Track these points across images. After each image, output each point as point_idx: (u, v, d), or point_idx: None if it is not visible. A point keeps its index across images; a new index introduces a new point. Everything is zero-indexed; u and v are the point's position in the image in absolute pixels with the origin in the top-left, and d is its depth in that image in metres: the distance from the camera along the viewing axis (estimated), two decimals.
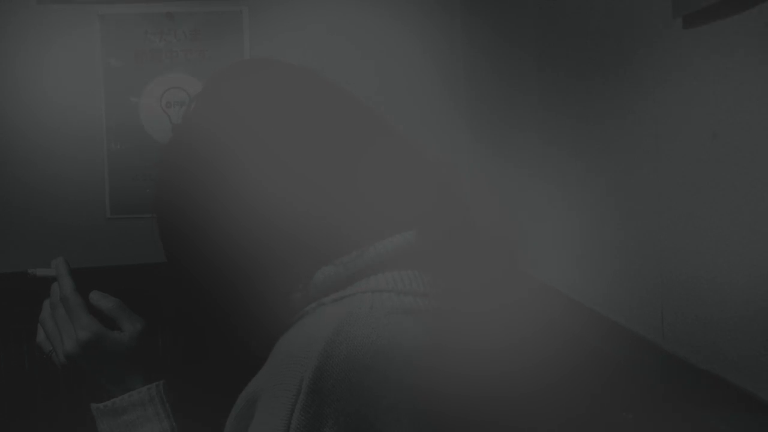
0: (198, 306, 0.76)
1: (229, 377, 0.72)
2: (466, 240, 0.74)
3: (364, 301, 0.67)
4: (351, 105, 0.77)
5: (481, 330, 0.72)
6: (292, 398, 0.61)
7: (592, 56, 0.97)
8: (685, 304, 0.76)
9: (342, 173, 0.71)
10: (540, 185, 1.23)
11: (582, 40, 1.00)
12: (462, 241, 0.74)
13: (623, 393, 0.78)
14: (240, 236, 0.71)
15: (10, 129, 1.71)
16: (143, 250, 1.74)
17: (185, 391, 0.89)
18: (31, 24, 1.71)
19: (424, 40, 1.79)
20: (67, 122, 1.73)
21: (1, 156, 1.71)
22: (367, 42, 1.76)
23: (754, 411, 0.64)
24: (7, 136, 1.71)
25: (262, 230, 0.70)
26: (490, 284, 0.74)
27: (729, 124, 0.67)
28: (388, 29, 1.76)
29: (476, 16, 1.65)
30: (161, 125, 1.75)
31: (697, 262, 0.74)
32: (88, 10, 1.72)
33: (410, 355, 0.65)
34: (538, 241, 1.24)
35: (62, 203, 1.73)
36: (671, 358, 0.78)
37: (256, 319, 0.71)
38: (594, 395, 0.85)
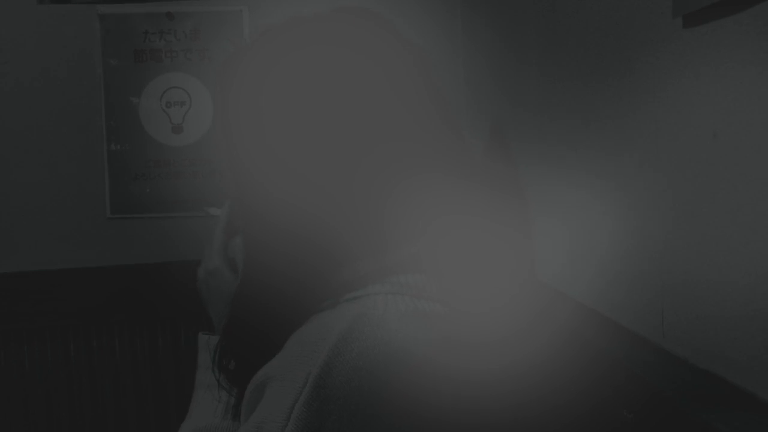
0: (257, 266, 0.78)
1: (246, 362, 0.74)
2: (483, 246, 0.75)
3: (377, 302, 0.67)
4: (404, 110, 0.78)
5: (493, 337, 0.72)
6: (297, 390, 0.62)
7: (591, 56, 0.97)
8: (685, 304, 0.76)
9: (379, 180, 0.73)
10: (540, 185, 1.24)
11: (582, 40, 1.00)
12: (478, 247, 0.74)
13: (623, 392, 0.78)
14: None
15: (9, 129, 1.71)
16: (143, 250, 1.75)
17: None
18: (31, 24, 1.71)
19: (424, 40, 1.78)
20: (67, 122, 1.73)
21: (1, 156, 1.71)
22: None
23: (754, 411, 0.64)
24: (6, 136, 1.71)
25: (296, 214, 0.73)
26: (504, 291, 0.74)
27: (729, 124, 0.67)
28: None
29: (476, 16, 1.65)
30: (161, 125, 1.75)
31: (697, 262, 0.74)
32: (88, 10, 1.72)
33: (421, 360, 0.65)
34: (538, 241, 1.24)
35: (62, 203, 1.73)
36: (671, 358, 0.78)
37: (297, 297, 0.73)
38: (594, 395, 0.85)
